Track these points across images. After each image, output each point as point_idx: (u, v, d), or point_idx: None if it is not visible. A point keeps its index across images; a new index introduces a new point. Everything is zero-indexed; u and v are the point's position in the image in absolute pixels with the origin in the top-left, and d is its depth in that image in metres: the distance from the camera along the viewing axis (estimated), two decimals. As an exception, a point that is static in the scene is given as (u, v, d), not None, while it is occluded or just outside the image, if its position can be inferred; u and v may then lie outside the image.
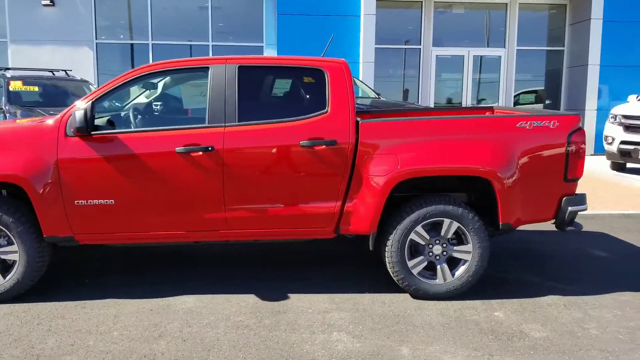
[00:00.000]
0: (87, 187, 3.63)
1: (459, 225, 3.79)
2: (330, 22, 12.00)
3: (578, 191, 4.00)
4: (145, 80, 3.83)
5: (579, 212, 3.95)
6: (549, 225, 4.30)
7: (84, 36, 11.95)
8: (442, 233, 3.81)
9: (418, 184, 3.95)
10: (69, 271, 4.40)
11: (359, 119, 3.80)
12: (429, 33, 12.83)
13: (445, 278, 3.85)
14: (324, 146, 3.69)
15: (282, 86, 4.08)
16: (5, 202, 3.66)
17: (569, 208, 3.88)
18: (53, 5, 11.79)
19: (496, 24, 13.11)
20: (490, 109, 5.16)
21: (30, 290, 3.76)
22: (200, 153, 3.63)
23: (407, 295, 3.91)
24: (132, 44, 12.46)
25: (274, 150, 3.69)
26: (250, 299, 3.82)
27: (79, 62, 11.90)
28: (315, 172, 3.72)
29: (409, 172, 3.70)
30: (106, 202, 3.66)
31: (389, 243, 3.78)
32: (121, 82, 3.75)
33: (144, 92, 4.62)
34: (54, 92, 8.50)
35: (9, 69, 9.14)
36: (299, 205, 3.77)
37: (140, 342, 3.17)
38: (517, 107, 9.39)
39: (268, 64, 3.91)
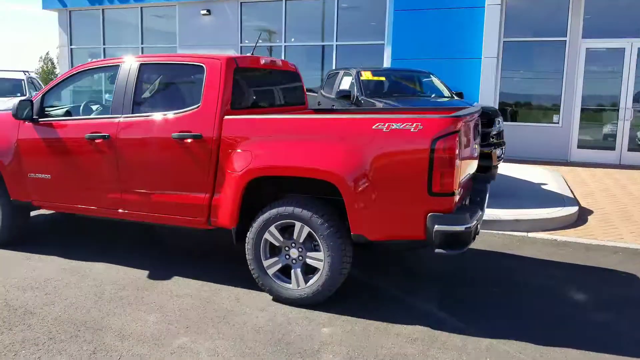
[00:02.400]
0: (34, 163, 4.54)
1: (310, 230, 3.57)
2: (451, 16, 11.27)
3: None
4: (77, 77, 4.57)
5: (463, 234, 3.30)
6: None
7: (232, 40, 13.65)
8: (295, 236, 3.64)
9: (291, 183, 3.83)
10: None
11: (228, 115, 3.86)
12: (578, 22, 10.96)
13: (298, 284, 3.67)
14: (191, 139, 3.88)
15: (171, 81, 4.35)
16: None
17: (435, 227, 3.28)
18: (210, 14, 13.78)
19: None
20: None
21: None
22: (100, 140, 4.20)
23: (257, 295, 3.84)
24: (270, 47, 13.72)
25: (153, 141, 4.04)
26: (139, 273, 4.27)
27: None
28: (186, 164, 3.94)
29: (259, 170, 3.65)
30: (45, 176, 4.52)
31: (247, 240, 3.78)
32: (61, 79, 4.57)
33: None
34: (397, 83, 8.42)
35: None
36: (176, 194, 4.03)
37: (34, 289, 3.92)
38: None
39: (162, 61, 4.24)
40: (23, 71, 11.95)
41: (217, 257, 4.72)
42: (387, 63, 12.00)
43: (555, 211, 6.18)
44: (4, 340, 3.13)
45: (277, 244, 3.71)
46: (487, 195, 4.35)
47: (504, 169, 9.12)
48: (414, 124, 3.28)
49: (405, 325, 3.41)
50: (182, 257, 4.70)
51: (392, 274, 4.42)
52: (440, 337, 3.27)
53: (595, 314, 3.68)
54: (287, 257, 3.72)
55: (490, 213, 6.01)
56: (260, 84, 4.54)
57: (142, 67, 4.21)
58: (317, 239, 3.55)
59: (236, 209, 3.76)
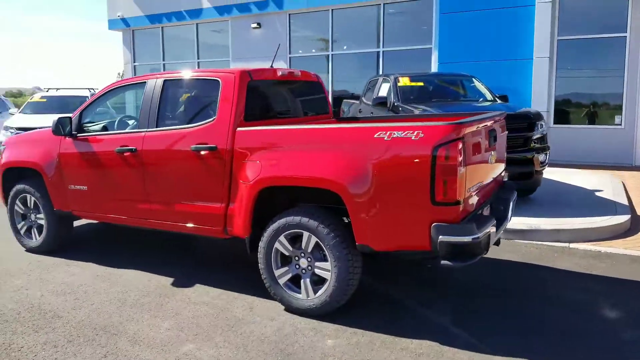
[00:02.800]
0: (72, 175, 4.86)
1: (317, 240, 3.57)
2: (499, 16, 10.89)
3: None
4: (109, 95, 4.84)
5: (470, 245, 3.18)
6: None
7: (281, 51, 13.91)
8: (303, 246, 3.66)
9: (301, 193, 3.85)
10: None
11: (240, 127, 3.94)
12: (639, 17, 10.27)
13: (307, 294, 3.68)
14: (208, 151, 4.01)
15: (190, 96, 4.50)
16: None
17: (439, 237, 3.18)
18: (260, 27, 14.14)
19: None
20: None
21: (53, 247, 5.25)
22: (128, 153, 4.43)
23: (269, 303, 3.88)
24: (316, 56, 13.87)
25: (174, 153, 4.20)
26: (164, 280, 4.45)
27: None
28: (204, 175, 4.07)
29: (268, 180, 3.71)
30: (82, 187, 4.82)
31: (259, 249, 3.85)
32: (96, 97, 4.86)
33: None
34: (437, 88, 8.16)
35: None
36: (195, 204, 4.16)
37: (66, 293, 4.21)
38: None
39: (183, 77, 4.40)
40: (88, 88, 12.81)
41: (239, 266, 4.81)
42: (434, 67, 11.77)
43: (602, 220, 5.79)
44: (29, 342, 3.37)
45: (287, 254, 3.75)
46: (512, 204, 4.16)
47: (556, 174, 8.66)
48: (415, 132, 3.21)
49: (413, 340, 3.33)
50: (208, 266, 4.84)
51: (411, 284, 4.32)
52: (447, 353, 3.16)
53: (628, 332, 3.41)
54: (297, 267, 3.74)
55: (529, 222, 5.74)
56: (277, 96, 4.61)
57: (165, 83, 4.40)
58: (324, 248, 3.55)
59: (248, 219, 3.84)
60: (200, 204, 4.13)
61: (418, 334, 3.40)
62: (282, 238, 3.72)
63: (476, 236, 3.19)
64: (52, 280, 4.51)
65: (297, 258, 3.74)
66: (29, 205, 5.26)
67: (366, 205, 3.35)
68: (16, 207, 5.33)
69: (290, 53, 13.95)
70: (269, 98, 4.42)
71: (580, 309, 3.78)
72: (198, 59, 15.50)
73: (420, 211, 3.22)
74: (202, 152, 4.02)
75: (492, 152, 3.89)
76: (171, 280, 4.47)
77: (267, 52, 13.98)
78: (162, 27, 15.98)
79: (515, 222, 5.72)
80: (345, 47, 13.46)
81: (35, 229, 5.28)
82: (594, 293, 4.08)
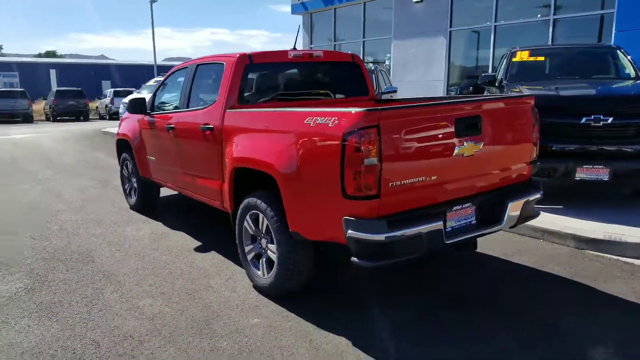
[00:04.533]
0: (148, 148, 5.73)
1: (267, 222, 3.61)
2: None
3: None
4: (171, 78, 5.48)
5: (376, 242, 2.88)
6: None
7: (442, 26, 13.24)
8: (260, 227, 3.74)
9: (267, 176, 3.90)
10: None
11: (230, 109, 4.13)
12: None
13: (263, 273, 3.78)
14: (209, 131, 4.33)
15: (208, 79, 4.74)
16: None
17: (348, 232, 2.93)
18: (421, 1, 13.63)
19: None
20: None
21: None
22: (170, 131, 5.03)
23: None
24: (478, 29, 12.75)
25: (192, 132, 4.63)
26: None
27: (434, 50, 13.37)
28: (207, 152, 4.40)
29: (236, 161, 3.87)
30: (152, 158, 5.66)
31: (236, 225, 4.06)
32: (163, 80, 5.57)
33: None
34: (563, 63, 6.96)
35: None
36: (206, 178, 4.55)
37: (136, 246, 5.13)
38: None
39: (206, 62, 4.73)
40: None
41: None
42: (609, 37, 9.80)
43: None
44: (59, 277, 4.24)
45: (251, 233, 3.87)
46: (515, 206, 3.49)
47: None
48: (332, 119, 2.98)
49: (332, 335, 3.17)
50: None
51: (406, 288, 4.00)
52: (350, 353, 2.95)
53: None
54: (259, 246, 3.85)
55: (610, 231, 4.62)
56: (290, 78, 4.63)
57: (197, 68, 4.84)
58: (271, 231, 3.58)
59: (230, 196, 4.07)
60: (208, 179, 4.49)
61: (339, 332, 3.21)
62: (248, 217, 3.85)
63: (388, 235, 2.85)
64: (120, 232, 5.47)
65: (259, 238, 3.84)
66: (130, 170, 6.38)
67: (294, 192, 3.27)
68: (123, 171, 6.53)
69: (451, 27, 13.16)
70: (276, 80, 4.49)
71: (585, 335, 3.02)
72: (363, 37, 15.75)
73: (335, 203, 3.01)
74: (206, 132, 4.36)
75: (473, 143, 3.28)
76: (197, 244, 4.98)
77: (428, 27, 13.50)
78: (335, 9, 16.64)
79: (592, 229, 4.68)
80: (509, 18, 12.09)
81: (133, 191, 6.40)
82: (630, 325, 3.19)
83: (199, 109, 4.57)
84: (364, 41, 15.79)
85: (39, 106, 30.19)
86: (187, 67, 5.07)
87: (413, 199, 3.06)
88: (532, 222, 4.95)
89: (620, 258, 4.37)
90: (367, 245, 2.92)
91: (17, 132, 19.00)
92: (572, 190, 6.25)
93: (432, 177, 3.11)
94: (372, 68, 10.70)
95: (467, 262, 4.46)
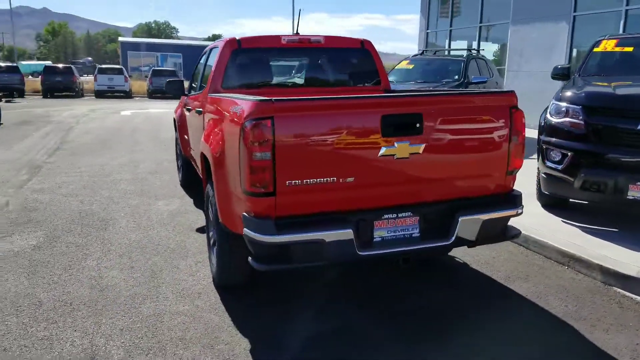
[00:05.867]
0: (185, 127, 5.99)
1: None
2: None
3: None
4: (201, 58, 5.59)
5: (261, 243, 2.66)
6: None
7: (564, 9, 11.66)
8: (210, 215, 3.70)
9: None
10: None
11: (212, 94, 4.10)
12: None
13: (213, 262, 3.74)
14: (199, 114, 4.38)
15: (212, 62, 4.69)
16: None
17: (244, 230, 2.74)
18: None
19: None
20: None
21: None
22: (189, 111, 5.20)
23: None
24: (606, 13, 10.94)
25: (195, 113, 4.72)
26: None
27: (554, 36, 11.85)
28: (200, 134, 4.45)
29: (201, 146, 3.84)
30: (186, 137, 5.91)
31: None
32: (198, 62, 5.74)
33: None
34: None
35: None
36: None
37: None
38: None
39: (214, 45, 4.73)
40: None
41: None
42: None
43: None
44: (68, 240, 4.68)
45: (211, 220, 3.85)
46: (453, 225, 2.95)
47: None
48: (240, 107, 2.81)
49: (238, 336, 3.04)
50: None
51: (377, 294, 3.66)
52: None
53: None
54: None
55: (623, 261, 3.71)
56: (284, 65, 4.45)
57: (210, 51, 4.90)
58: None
59: (204, 181, 4.08)
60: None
61: (247, 335, 3.06)
62: (208, 203, 3.84)
63: (274, 238, 2.63)
64: (151, 205, 5.85)
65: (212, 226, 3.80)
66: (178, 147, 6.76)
67: (217, 182, 3.18)
68: (176, 149, 6.93)
69: (575, 11, 11.51)
70: (267, 67, 4.34)
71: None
72: (480, 22, 14.54)
73: (238, 198, 2.86)
74: (199, 115, 4.43)
75: (408, 144, 2.80)
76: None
77: (549, 12, 12.04)
78: (454, -8, 15.62)
79: (630, 262, 3.80)
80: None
81: (180, 168, 6.79)
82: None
83: (199, 93, 4.64)
84: (480, 26, 14.59)
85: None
86: (206, 51, 5.17)
87: (322, 201, 2.77)
88: (558, 245, 4.22)
89: (629, 294, 3.49)
90: (260, 247, 2.72)
91: (131, 107, 21.10)
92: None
93: (348, 179, 2.77)
94: (472, 55, 9.88)
95: (451, 278, 3.94)
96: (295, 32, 4.51)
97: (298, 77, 4.66)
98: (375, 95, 3.02)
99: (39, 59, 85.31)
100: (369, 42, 4.58)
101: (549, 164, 4.75)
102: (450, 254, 4.25)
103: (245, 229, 2.74)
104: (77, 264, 4.11)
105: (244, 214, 2.77)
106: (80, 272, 3.95)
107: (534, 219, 4.89)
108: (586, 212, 5.22)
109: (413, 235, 2.98)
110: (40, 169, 7.82)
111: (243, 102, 2.77)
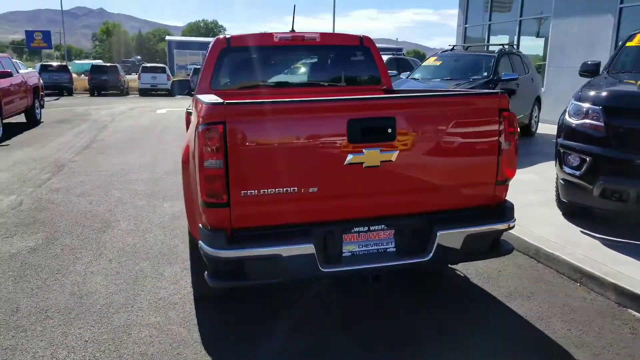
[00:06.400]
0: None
1: (190, 218, 3.41)
2: None
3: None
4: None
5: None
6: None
7: (610, 1, 10.88)
8: (193, 222, 3.55)
9: None
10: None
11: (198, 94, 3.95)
12: None
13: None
14: (190, 116, 4.25)
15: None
16: None
17: (199, 243, 2.57)
18: (589, -28, 11.36)
19: None
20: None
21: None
22: (189, 114, 5.08)
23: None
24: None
25: (189, 114, 4.60)
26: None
27: (598, 30, 11.10)
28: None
29: (185, 150, 3.71)
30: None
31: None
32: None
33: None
34: None
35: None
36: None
37: (136, 216, 5.47)
38: None
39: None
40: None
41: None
42: None
43: None
44: (65, 242, 4.68)
45: (191, 227, 3.72)
46: (431, 240, 2.66)
47: None
48: (199, 109, 2.63)
49: (202, 353, 2.88)
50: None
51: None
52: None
53: None
54: (197, 242, 3.67)
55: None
56: (277, 63, 4.23)
57: (206, 50, 4.76)
58: (191, 228, 3.37)
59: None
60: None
61: (211, 352, 2.89)
62: (191, 210, 3.70)
63: (228, 253, 2.43)
64: (156, 207, 5.80)
65: (196, 233, 3.66)
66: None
67: (184, 190, 3.02)
68: (187, 149, 6.87)
69: (622, 2, 10.73)
70: (259, 66, 4.15)
71: None
72: (521, 16, 13.83)
73: (198, 208, 2.68)
74: (190, 117, 4.30)
75: (379, 151, 2.53)
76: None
77: (593, 3, 11.28)
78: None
79: (639, 278, 3.39)
80: None
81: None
82: None
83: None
84: (520, 20, 13.88)
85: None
86: (207, 49, 5.04)
87: (283, 212, 2.55)
88: (571, 259, 3.84)
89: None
90: (214, 262, 2.54)
91: (168, 106, 21.42)
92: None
93: (311, 189, 2.54)
94: (504, 50, 9.39)
95: (444, 293, 3.64)
96: (291, 29, 4.30)
97: (291, 77, 4.45)
98: (341, 98, 2.78)
99: (94, 58, 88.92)
100: (368, 39, 4.32)
101: (566, 169, 4.34)
102: (450, 266, 3.94)
103: (199, 241, 2.57)
104: (65, 269, 4.07)
105: (199, 225, 2.60)
106: (65, 278, 3.90)
107: (550, 229, 4.49)
108: (610, 222, 4.76)
109: (388, 250, 2.72)
110: (63, 168, 7.96)
111: (202, 105, 2.60)
